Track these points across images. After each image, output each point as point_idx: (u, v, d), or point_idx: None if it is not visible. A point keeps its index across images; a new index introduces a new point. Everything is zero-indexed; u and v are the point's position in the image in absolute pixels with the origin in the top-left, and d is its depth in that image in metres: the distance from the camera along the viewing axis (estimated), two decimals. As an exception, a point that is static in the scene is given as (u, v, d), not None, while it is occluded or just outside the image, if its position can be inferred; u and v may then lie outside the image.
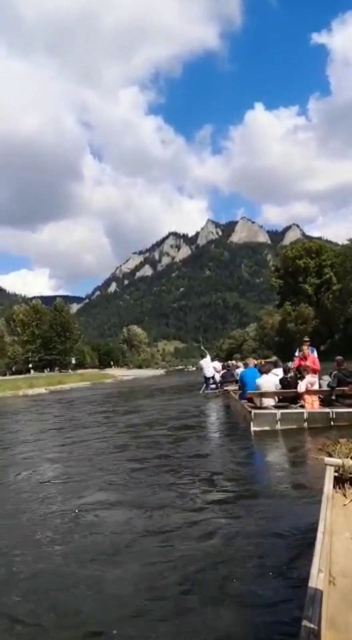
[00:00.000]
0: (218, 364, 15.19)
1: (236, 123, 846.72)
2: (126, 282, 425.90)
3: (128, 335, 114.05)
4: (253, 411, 6.69)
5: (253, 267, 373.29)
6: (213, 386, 13.83)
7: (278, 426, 6.52)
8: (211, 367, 14.05)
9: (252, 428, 6.52)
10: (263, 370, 7.73)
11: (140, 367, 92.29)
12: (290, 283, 56.70)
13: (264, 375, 7.54)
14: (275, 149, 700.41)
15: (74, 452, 5.98)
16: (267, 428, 6.51)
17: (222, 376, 14.32)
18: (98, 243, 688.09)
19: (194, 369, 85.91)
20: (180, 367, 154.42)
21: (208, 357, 14.61)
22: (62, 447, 6.43)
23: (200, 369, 15.25)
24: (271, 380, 7.50)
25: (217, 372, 14.59)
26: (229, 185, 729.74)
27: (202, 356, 14.89)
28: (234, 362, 22.16)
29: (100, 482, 4.32)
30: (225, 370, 15.04)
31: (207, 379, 13.95)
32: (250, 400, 7.70)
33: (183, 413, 9.63)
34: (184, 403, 11.94)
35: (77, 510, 3.56)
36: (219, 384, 13.78)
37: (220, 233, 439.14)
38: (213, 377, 13.87)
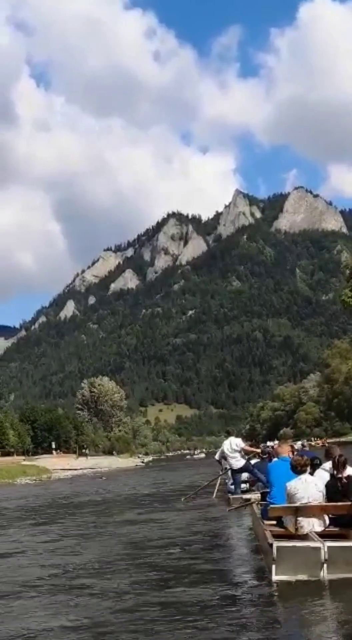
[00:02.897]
0: (241, 443, 15.37)
1: (283, 24, 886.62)
2: (92, 300, 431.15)
3: (91, 393, 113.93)
4: (276, 544, 6.48)
5: (317, 274, 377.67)
6: (246, 486, 14.65)
7: (324, 574, 6.34)
8: (236, 452, 14.64)
9: (274, 577, 6.38)
10: (298, 466, 7.60)
11: (111, 452, 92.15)
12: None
13: (306, 476, 7.50)
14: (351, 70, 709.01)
15: None
16: (303, 577, 6.37)
17: (252, 470, 14.48)
18: (43, 232, 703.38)
19: (203, 455, 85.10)
20: (186, 450, 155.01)
21: (235, 439, 15.17)
22: None
23: (221, 459, 15.90)
24: (312, 484, 7.42)
25: (244, 458, 14.86)
26: (272, 132, 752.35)
27: (229, 433, 15.64)
28: (273, 443, 22.31)
29: None
30: (259, 460, 15.09)
31: (235, 475, 14.48)
32: (278, 520, 7.64)
33: (141, 550, 9.29)
34: (147, 529, 11.60)
35: None
36: (248, 483, 14.57)
37: (258, 214, 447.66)
38: (246, 470, 14.41)
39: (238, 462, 14.24)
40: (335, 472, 7.56)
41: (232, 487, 14.66)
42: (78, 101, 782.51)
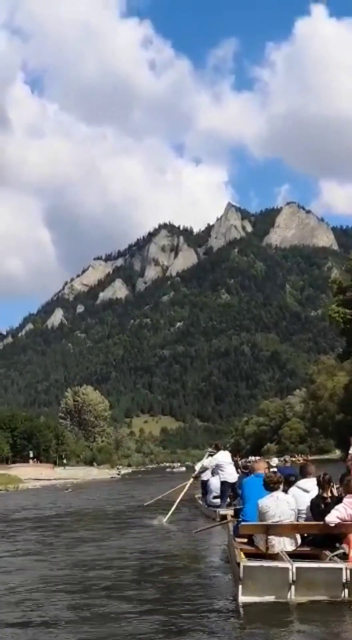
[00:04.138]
0: (227, 455, 15.39)
1: (279, 38, 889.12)
2: (81, 308, 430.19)
3: (75, 402, 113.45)
4: (243, 563, 6.42)
5: (306, 290, 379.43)
6: (228, 500, 14.49)
7: (292, 595, 6.28)
8: (232, 465, 14.74)
9: (241, 598, 6.31)
10: (271, 483, 7.56)
11: (92, 462, 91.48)
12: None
13: (279, 494, 7.50)
14: (346, 86, 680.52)
15: None
16: (270, 598, 6.30)
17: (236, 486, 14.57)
18: (32, 239, 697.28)
19: (183, 469, 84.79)
20: (169, 463, 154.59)
21: (223, 453, 15.35)
22: None
23: (204, 471, 16.11)
24: (285, 502, 7.41)
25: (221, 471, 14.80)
26: (265, 146, 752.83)
27: (217, 448, 15.69)
28: (254, 458, 22.23)
29: None
30: (240, 475, 15.28)
31: (226, 489, 14.45)
32: (249, 538, 7.61)
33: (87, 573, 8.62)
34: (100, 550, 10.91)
35: None
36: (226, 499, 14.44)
37: (249, 228, 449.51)
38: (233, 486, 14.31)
39: (232, 475, 14.26)
40: (320, 490, 7.56)
41: (217, 500, 14.50)
42: (72, 108, 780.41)
